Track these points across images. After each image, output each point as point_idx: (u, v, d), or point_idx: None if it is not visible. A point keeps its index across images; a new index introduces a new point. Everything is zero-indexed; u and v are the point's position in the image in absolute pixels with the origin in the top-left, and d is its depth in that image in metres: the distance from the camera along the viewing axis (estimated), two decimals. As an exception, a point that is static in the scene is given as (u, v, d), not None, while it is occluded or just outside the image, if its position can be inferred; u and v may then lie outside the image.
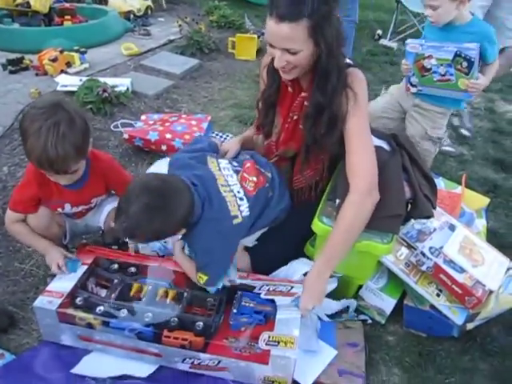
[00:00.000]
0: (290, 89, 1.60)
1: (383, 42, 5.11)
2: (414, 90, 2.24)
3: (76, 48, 3.68)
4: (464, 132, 2.97)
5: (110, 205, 1.74)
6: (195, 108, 3.31)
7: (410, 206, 1.61)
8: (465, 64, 2.00)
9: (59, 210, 1.63)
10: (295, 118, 1.61)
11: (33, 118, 1.37)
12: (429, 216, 1.62)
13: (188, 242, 1.54)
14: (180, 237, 1.50)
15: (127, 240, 1.60)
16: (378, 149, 1.61)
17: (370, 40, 5.18)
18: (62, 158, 1.36)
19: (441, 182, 2.25)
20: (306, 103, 1.56)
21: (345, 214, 1.45)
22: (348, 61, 1.54)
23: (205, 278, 1.45)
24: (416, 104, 2.29)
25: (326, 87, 1.45)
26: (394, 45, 5.01)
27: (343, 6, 3.66)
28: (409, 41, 2.19)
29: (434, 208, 1.63)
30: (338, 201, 1.54)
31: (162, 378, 1.44)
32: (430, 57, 2.09)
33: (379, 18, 5.87)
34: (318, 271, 1.47)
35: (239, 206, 1.50)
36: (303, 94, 1.56)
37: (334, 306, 1.62)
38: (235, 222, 1.47)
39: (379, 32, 5.30)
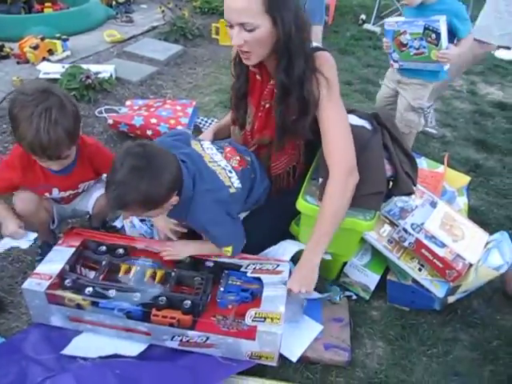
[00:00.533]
0: (258, 77, 1.59)
1: (367, 26, 5.13)
2: (396, 65, 2.39)
3: (58, 35, 3.63)
4: (430, 130, 3.03)
5: (99, 190, 1.74)
6: (180, 94, 3.31)
7: (391, 183, 1.64)
8: (433, 36, 2.13)
9: (46, 194, 1.63)
10: (267, 106, 1.60)
11: (23, 104, 1.35)
12: (410, 193, 1.66)
13: (193, 222, 1.54)
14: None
15: (121, 214, 1.58)
16: (359, 128, 1.64)
17: (354, 25, 5.19)
18: (54, 143, 1.36)
19: (423, 162, 2.30)
20: (275, 90, 1.56)
21: (328, 199, 1.48)
22: (316, 44, 1.53)
23: (230, 249, 1.51)
24: (398, 80, 2.45)
25: (292, 70, 1.44)
26: (377, 29, 5.02)
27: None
28: (386, 20, 2.35)
29: (415, 185, 1.68)
30: (320, 179, 1.56)
31: (151, 356, 1.46)
32: (404, 32, 2.23)
33: (363, 3, 5.87)
34: (308, 258, 1.50)
35: (230, 177, 1.53)
36: (272, 82, 1.55)
37: (315, 295, 1.65)
38: (231, 191, 1.50)
39: (363, 17, 5.30)
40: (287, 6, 1.34)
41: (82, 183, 1.68)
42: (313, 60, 1.46)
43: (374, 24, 5.14)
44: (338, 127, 1.51)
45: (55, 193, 1.63)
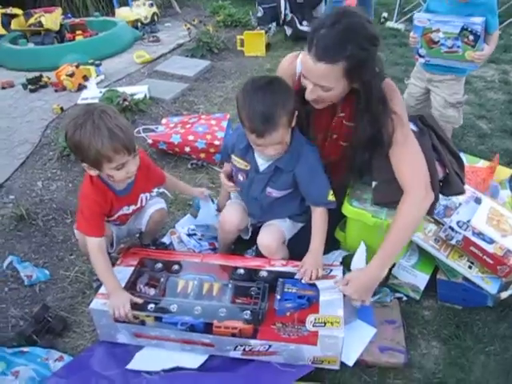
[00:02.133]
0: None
1: (390, 24, 5.09)
2: (422, 60, 2.39)
3: (91, 61, 3.79)
4: None
5: (152, 207, 1.83)
6: (212, 108, 3.39)
7: (441, 184, 1.65)
8: (471, 37, 2.12)
9: (116, 215, 1.71)
10: (335, 136, 1.66)
11: (77, 124, 1.42)
12: (460, 192, 1.67)
13: (293, 167, 1.60)
14: None
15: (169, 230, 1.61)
16: None
17: (376, 24, 5.16)
18: (127, 131, 1.45)
19: (463, 158, 2.29)
20: (345, 122, 1.60)
21: (401, 216, 1.50)
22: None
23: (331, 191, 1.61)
24: (429, 79, 2.44)
25: (374, 119, 1.47)
26: (400, 26, 4.99)
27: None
28: (417, 15, 2.32)
29: (464, 184, 1.68)
30: (374, 183, 1.59)
31: (212, 367, 1.52)
32: (437, 30, 2.21)
33: (383, 1, 5.83)
34: (374, 270, 1.53)
35: None
36: (341, 115, 1.59)
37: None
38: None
39: (384, 15, 5.28)
40: (368, 65, 1.36)
41: (142, 194, 1.76)
42: (386, 101, 1.46)
43: (396, 21, 5.11)
44: (409, 149, 1.52)
45: (125, 209, 1.72)
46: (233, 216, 1.76)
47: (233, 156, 1.69)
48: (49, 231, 2.16)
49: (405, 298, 1.78)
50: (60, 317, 1.72)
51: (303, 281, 1.58)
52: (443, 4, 2.22)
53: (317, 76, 1.37)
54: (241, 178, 1.70)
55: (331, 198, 1.61)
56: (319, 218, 1.63)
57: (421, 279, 1.74)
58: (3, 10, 4.32)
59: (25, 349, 1.56)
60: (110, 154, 1.43)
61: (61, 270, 1.97)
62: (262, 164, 1.63)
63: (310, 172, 1.57)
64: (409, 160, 1.51)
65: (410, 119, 1.71)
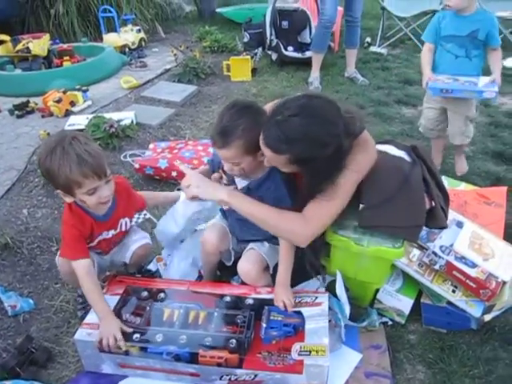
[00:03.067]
0: None
1: (373, 48, 5.24)
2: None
3: (78, 87, 3.81)
4: None
5: (136, 244, 1.83)
6: (198, 133, 3.42)
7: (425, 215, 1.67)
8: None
9: (96, 240, 1.71)
10: None
11: (49, 149, 1.45)
12: (443, 227, 1.71)
13: (262, 193, 1.63)
14: None
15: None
16: (398, 159, 1.70)
17: (360, 48, 5.28)
18: (96, 156, 1.46)
19: (444, 181, 2.34)
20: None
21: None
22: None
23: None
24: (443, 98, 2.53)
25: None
26: (383, 51, 5.14)
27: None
28: (431, 85, 2.47)
29: (447, 218, 1.72)
30: (361, 205, 1.61)
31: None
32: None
33: (367, 26, 5.98)
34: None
35: None
36: None
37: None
38: None
39: (368, 40, 5.43)
40: (317, 162, 1.42)
41: (122, 219, 1.76)
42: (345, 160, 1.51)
43: (379, 46, 5.26)
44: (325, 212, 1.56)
45: (104, 234, 1.72)
46: (213, 237, 1.78)
47: (221, 171, 1.74)
48: (34, 260, 2.14)
49: (390, 323, 1.80)
50: (44, 348, 1.70)
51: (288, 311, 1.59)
52: (452, 20, 2.42)
53: (266, 156, 1.47)
54: None
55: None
56: (284, 246, 1.64)
57: (405, 303, 1.76)
58: (-10, 37, 4.34)
59: (7, 382, 1.54)
60: (79, 179, 1.45)
61: (45, 299, 1.95)
62: (239, 182, 1.67)
63: (275, 200, 1.58)
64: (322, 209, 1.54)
65: (402, 148, 1.76)
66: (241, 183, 1.67)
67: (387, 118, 3.57)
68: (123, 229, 1.79)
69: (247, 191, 1.64)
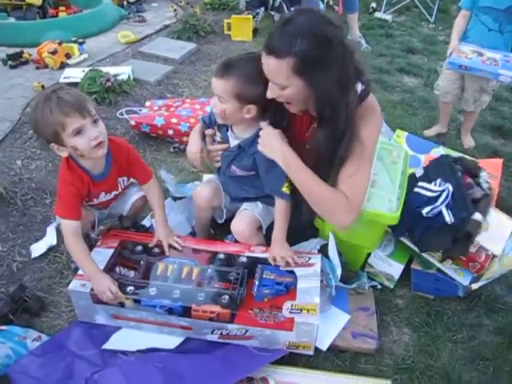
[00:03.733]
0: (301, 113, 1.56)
1: (378, 14, 5.12)
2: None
3: (74, 39, 3.71)
4: None
5: (135, 195, 1.83)
6: (196, 92, 3.37)
7: None
8: None
9: (95, 200, 1.71)
10: (307, 146, 1.55)
11: (34, 106, 1.47)
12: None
13: (254, 150, 1.60)
14: None
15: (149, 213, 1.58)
16: None
17: (364, 13, 5.18)
18: (78, 96, 1.46)
19: (441, 151, 2.35)
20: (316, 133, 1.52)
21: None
22: (360, 89, 1.43)
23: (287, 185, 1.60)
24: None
25: (331, 130, 1.42)
26: (388, 17, 5.03)
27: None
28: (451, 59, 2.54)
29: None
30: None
31: (189, 349, 1.55)
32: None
33: (372, -10, 5.85)
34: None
35: None
36: (315, 125, 1.53)
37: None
38: None
39: (373, 5, 5.30)
40: (324, 68, 1.30)
41: (120, 178, 1.74)
42: (355, 120, 1.42)
43: (385, 12, 5.14)
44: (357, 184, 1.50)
45: (102, 196, 1.71)
46: (205, 191, 1.79)
47: (215, 128, 1.74)
48: (27, 210, 2.13)
49: (379, 287, 1.83)
50: (37, 297, 1.72)
51: (281, 268, 1.61)
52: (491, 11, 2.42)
53: (268, 71, 1.36)
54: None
55: (285, 189, 1.60)
56: (279, 207, 1.64)
57: (396, 268, 1.79)
58: (-17, -18, 4.17)
59: (2, 327, 1.56)
60: (61, 119, 1.42)
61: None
62: (232, 141, 1.67)
63: (268, 160, 1.55)
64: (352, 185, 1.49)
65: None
66: (233, 142, 1.66)
67: (388, 86, 3.54)
68: (122, 187, 1.78)
69: (239, 149, 1.64)
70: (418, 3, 5.22)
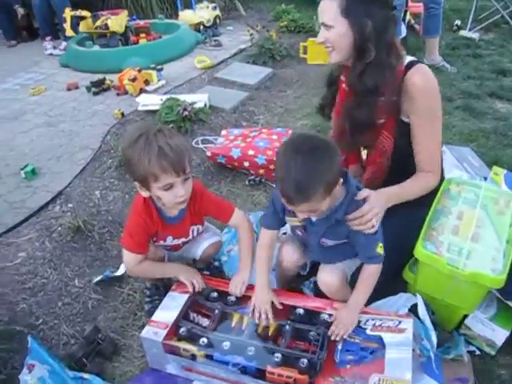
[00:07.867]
0: (344, 86, 1.69)
1: (463, 33, 4.79)
2: None
3: (153, 66, 3.80)
4: None
5: (207, 241, 1.78)
6: (272, 119, 3.30)
7: None
8: None
9: (161, 242, 1.68)
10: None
11: (131, 140, 1.44)
12: None
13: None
14: None
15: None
16: None
17: (448, 32, 4.86)
18: (178, 153, 1.40)
19: None
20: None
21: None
22: (410, 59, 1.58)
23: (381, 244, 1.48)
24: None
25: (365, 77, 1.52)
26: (475, 35, 4.68)
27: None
28: None
29: None
30: None
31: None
32: None
33: (455, 7, 5.50)
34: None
35: None
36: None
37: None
38: None
39: (457, 22, 4.98)
40: (368, 13, 1.46)
41: (193, 226, 1.70)
42: (398, 73, 1.53)
43: (470, 29, 4.80)
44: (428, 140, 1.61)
45: (169, 240, 1.67)
46: (291, 253, 1.64)
47: (286, 217, 1.55)
48: (103, 244, 2.14)
49: (477, 352, 1.61)
50: (110, 339, 1.68)
51: (332, 337, 1.43)
52: None
53: (320, 12, 1.54)
54: (299, 233, 1.58)
55: (379, 250, 1.45)
56: (370, 269, 1.48)
57: (499, 334, 1.56)
58: (73, 13, 4.42)
59: (85, 375, 1.53)
60: (157, 172, 1.39)
61: (114, 286, 1.94)
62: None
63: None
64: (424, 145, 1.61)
65: None
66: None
67: (478, 112, 3.24)
68: (194, 235, 1.75)
69: (334, 222, 1.45)
70: (508, 19, 4.84)
